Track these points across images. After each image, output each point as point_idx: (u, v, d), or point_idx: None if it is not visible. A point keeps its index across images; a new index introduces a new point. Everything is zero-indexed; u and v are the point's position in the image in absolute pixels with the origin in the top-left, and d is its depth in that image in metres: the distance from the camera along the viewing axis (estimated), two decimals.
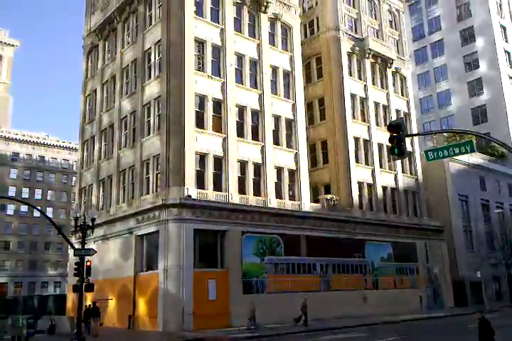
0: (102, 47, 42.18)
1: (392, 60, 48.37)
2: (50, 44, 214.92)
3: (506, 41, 69.15)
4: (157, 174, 32.55)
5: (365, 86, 45.77)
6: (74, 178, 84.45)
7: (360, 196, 42.21)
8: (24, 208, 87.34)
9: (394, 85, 49.50)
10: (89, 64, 44.44)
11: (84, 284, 24.57)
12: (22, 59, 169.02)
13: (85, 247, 25.13)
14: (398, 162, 45.47)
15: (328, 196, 39.41)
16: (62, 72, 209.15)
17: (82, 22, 46.60)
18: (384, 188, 44.48)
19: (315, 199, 39.71)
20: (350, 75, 44.91)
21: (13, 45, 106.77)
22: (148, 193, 33.01)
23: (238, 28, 36.86)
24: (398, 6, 52.84)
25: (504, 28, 69.53)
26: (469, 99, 67.53)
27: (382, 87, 47.91)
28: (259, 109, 36.26)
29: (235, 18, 36.75)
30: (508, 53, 68.73)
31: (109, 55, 41.25)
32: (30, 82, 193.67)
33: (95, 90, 42.22)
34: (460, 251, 49.17)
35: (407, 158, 44.68)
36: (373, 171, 43.81)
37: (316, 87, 44.96)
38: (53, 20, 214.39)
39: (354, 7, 47.57)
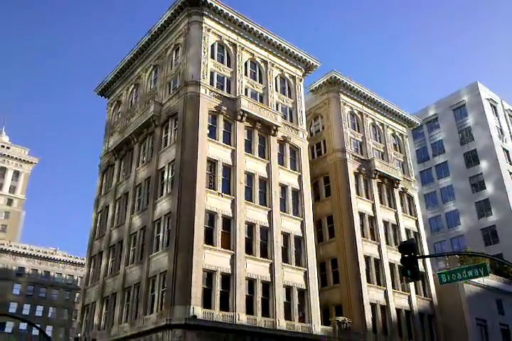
0: (118, 166, 43.83)
1: (398, 180, 49.48)
2: (68, 161, 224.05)
3: (510, 163, 70.98)
4: (163, 292, 31.71)
5: (373, 205, 46.29)
6: (77, 294, 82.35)
7: (374, 319, 40.31)
8: (23, 326, 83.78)
9: (402, 205, 49.98)
10: (104, 181, 45.82)
11: None
12: (38, 174, 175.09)
13: None
14: (411, 283, 44.14)
15: (340, 318, 37.56)
16: (77, 187, 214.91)
17: (100, 142, 49.14)
18: (398, 311, 42.63)
19: (326, 321, 37.96)
20: (358, 194, 45.71)
21: (31, 163, 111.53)
22: (152, 312, 31.85)
23: (249, 149, 38.54)
24: (402, 130, 55.45)
25: (507, 151, 71.78)
26: (478, 220, 67.49)
27: (390, 206, 48.38)
28: (268, 226, 36.38)
29: (245, 140, 38.62)
30: None
31: (123, 173, 42.72)
32: (45, 196, 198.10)
33: (107, 206, 42.99)
34: None
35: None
36: (386, 292, 42.39)
37: (325, 204, 45.54)
38: (73, 139, 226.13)
39: (359, 131, 50.00)
